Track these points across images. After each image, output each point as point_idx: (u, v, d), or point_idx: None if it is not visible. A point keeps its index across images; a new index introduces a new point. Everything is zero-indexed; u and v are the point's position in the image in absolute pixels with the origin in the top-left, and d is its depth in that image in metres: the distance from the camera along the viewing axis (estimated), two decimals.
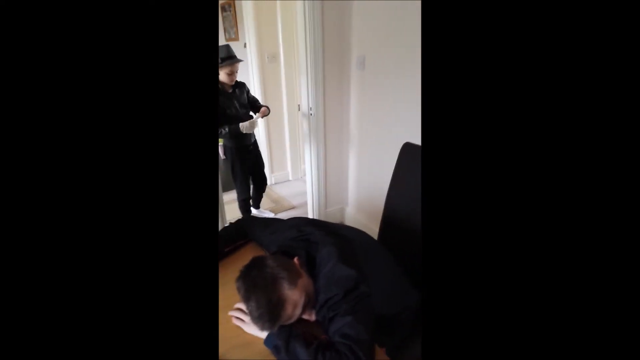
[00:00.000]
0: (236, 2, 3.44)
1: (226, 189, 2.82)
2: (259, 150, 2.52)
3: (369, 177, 2.26)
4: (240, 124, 2.15)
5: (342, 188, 2.52)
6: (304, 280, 0.82)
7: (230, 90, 2.21)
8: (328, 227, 1.02)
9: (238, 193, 2.49)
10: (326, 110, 2.21)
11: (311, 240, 0.95)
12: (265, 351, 0.81)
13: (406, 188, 1.25)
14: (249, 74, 3.03)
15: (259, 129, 2.33)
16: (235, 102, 2.23)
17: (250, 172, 2.47)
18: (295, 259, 0.88)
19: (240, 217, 2.22)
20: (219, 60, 2.09)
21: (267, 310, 0.74)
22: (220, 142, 2.44)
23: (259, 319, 0.75)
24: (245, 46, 3.13)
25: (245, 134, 2.27)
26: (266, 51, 2.92)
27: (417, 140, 1.20)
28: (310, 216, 2.54)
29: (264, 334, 0.82)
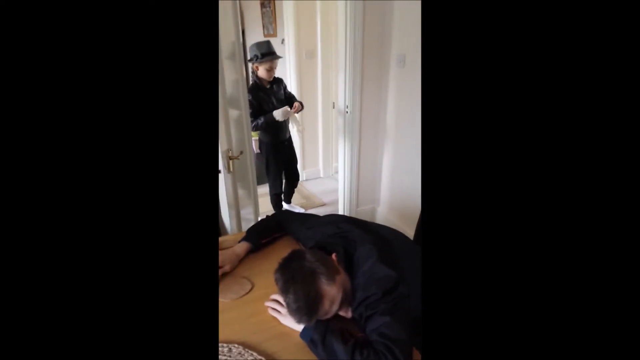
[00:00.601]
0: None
1: (259, 182, 2.88)
2: (293, 147, 2.55)
3: (404, 177, 2.22)
4: (274, 112, 2.18)
5: (374, 187, 2.50)
6: (342, 277, 0.82)
7: (268, 86, 2.25)
8: (366, 226, 1.01)
9: (270, 187, 2.53)
10: (363, 108, 2.20)
11: (349, 238, 0.95)
12: (301, 344, 0.81)
13: None
14: (286, 70, 3.06)
15: (293, 127, 2.35)
16: (272, 97, 2.26)
17: (283, 167, 2.50)
18: (333, 255, 0.88)
19: (274, 211, 2.26)
20: (260, 56, 2.13)
21: (305, 303, 0.75)
22: (255, 136, 2.49)
23: (297, 312, 0.76)
24: (283, 42, 3.17)
25: (280, 130, 2.30)
26: (304, 48, 2.94)
27: None
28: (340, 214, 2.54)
29: (299, 327, 0.83)
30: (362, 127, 2.25)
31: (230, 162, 1.45)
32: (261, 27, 4.04)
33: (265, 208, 2.61)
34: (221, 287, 1.00)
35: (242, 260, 1.11)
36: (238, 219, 1.63)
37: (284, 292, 0.79)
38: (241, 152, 1.56)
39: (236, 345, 0.81)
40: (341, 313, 0.85)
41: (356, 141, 2.28)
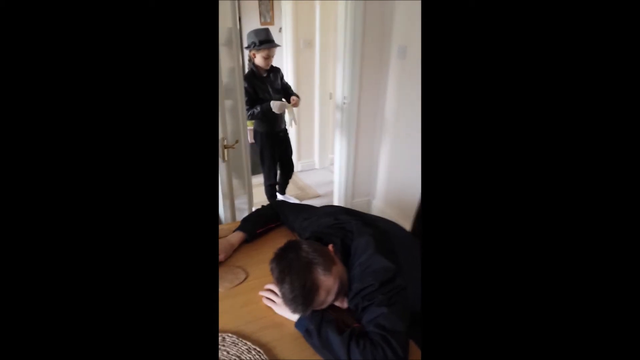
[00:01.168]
0: None
1: (254, 172, 2.86)
2: (288, 138, 2.52)
3: (400, 170, 2.21)
4: (272, 102, 2.15)
5: (370, 180, 2.49)
6: (338, 268, 0.82)
7: (265, 75, 2.21)
8: (364, 217, 1.01)
9: (265, 178, 2.51)
10: (361, 100, 2.17)
11: (346, 229, 0.94)
12: (296, 333, 0.81)
13: None
14: (283, 59, 3.02)
15: (288, 118, 2.33)
16: (269, 86, 2.23)
17: (278, 158, 2.48)
18: (330, 246, 0.87)
19: (269, 202, 2.25)
20: (257, 43, 2.09)
21: (301, 293, 0.74)
22: (250, 126, 2.46)
23: (292, 302, 0.75)
24: (280, 31, 3.12)
25: (276, 120, 2.27)
26: (302, 37, 2.89)
27: None
28: None
29: (294, 317, 0.82)
30: (359, 118, 2.23)
31: (225, 151, 1.43)
32: (258, 15, 3.97)
33: (260, 198, 2.59)
34: None
35: (236, 249, 1.10)
36: (232, 208, 1.61)
37: (279, 281, 0.78)
38: (236, 141, 1.53)
39: (230, 335, 0.80)
40: (337, 304, 0.85)
41: (353, 133, 2.26)
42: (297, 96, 2.30)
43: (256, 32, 2.12)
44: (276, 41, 2.19)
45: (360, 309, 0.79)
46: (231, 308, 0.89)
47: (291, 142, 2.66)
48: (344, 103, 2.18)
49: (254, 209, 1.30)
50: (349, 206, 2.45)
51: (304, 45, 2.92)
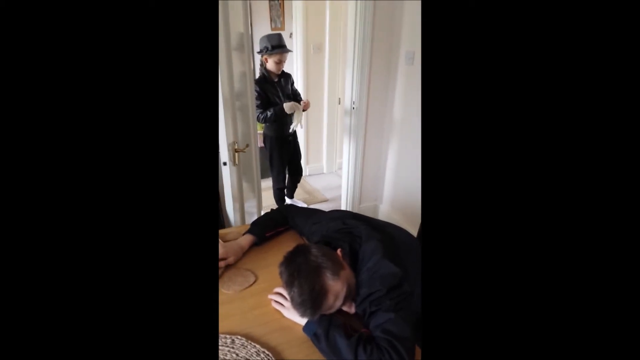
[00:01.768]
0: None
1: (263, 176, 2.88)
2: (297, 142, 2.54)
3: (408, 175, 2.21)
4: (285, 104, 2.18)
5: (378, 184, 2.49)
6: (347, 272, 0.82)
7: (276, 79, 2.24)
8: (372, 223, 1.01)
9: (274, 182, 2.53)
10: (369, 105, 2.19)
11: (354, 234, 0.94)
12: (304, 337, 0.82)
13: None
14: (293, 64, 3.05)
15: (299, 123, 2.36)
16: (280, 91, 2.25)
17: (287, 162, 2.49)
18: (338, 251, 0.88)
19: (277, 206, 2.26)
20: (270, 48, 2.11)
21: (310, 297, 0.75)
22: (260, 130, 2.49)
23: (301, 306, 0.76)
24: (290, 36, 3.15)
25: (285, 124, 2.30)
26: (312, 42, 2.92)
27: None
28: None
29: (303, 321, 0.83)
30: (367, 123, 2.24)
31: (236, 154, 1.44)
32: (269, 21, 4.01)
33: (269, 202, 2.61)
34: (225, 279, 1.01)
35: (245, 252, 1.11)
36: (242, 212, 1.63)
37: (288, 285, 0.79)
38: (247, 145, 1.55)
39: (239, 337, 0.81)
40: (345, 308, 0.86)
41: (361, 138, 2.27)
42: (308, 101, 2.33)
43: (269, 37, 2.15)
44: (288, 46, 2.21)
45: (368, 314, 0.79)
46: (240, 310, 0.90)
47: (300, 146, 2.68)
48: (353, 108, 2.19)
49: (263, 213, 1.32)
50: (356, 211, 2.46)
51: (314, 50, 2.95)
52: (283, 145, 2.38)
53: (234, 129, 1.45)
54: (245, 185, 1.68)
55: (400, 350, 0.69)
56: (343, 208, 2.56)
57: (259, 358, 0.76)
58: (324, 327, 0.78)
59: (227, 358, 0.76)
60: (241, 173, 1.58)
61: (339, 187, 2.74)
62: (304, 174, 3.02)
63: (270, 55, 2.14)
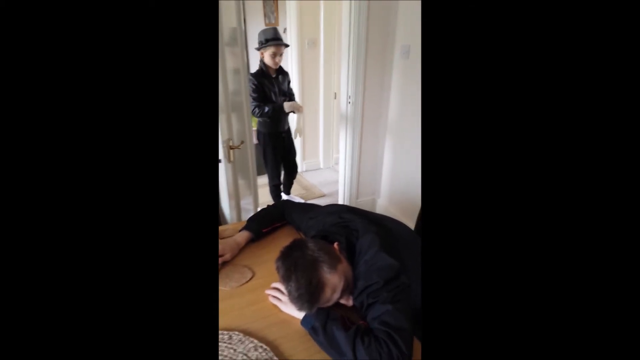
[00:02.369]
0: None
1: (259, 173, 2.88)
2: (291, 138, 2.53)
3: (405, 169, 2.21)
4: (285, 102, 2.19)
5: (375, 179, 2.49)
6: (344, 266, 0.82)
7: (274, 75, 2.23)
8: (368, 216, 1.01)
9: (269, 178, 2.53)
10: (365, 99, 2.18)
11: (351, 228, 0.94)
12: (302, 331, 0.82)
13: None
14: (288, 60, 3.03)
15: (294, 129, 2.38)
16: (276, 87, 2.24)
17: (281, 158, 2.49)
18: (335, 245, 0.88)
19: (274, 202, 2.26)
20: (264, 41, 2.11)
21: (307, 291, 0.75)
22: (254, 126, 2.48)
23: (298, 300, 0.76)
24: (285, 31, 3.13)
25: (279, 121, 2.30)
26: (306, 37, 2.90)
27: None
28: None
29: (300, 315, 0.83)
30: (364, 118, 2.23)
31: (231, 151, 1.44)
32: (262, 16, 3.99)
33: (265, 198, 2.60)
34: (222, 275, 1.00)
35: (242, 249, 1.11)
36: (238, 209, 1.62)
37: (285, 280, 0.79)
38: (242, 142, 1.55)
39: (237, 333, 0.81)
40: (342, 301, 0.86)
41: (357, 132, 2.26)
42: (301, 107, 2.35)
43: (264, 31, 2.16)
44: (283, 41, 2.20)
45: (366, 307, 0.79)
46: (238, 306, 0.90)
47: (296, 142, 2.67)
48: (349, 103, 2.19)
49: (259, 209, 1.31)
50: (353, 205, 2.46)
51: (308, 45, 2.93)
52: (276, 141, 2.38)
53: (229, 125, 1.44)
54: (241, 182, 1.67)
55: (398, 341, 0.69)
56: (340, 203, 2.56)
57: (256, 352, 0.76)
58: (322, 320, 0.78)
59: (224, 354, 0.76)
60: (237, 170, 1.57)
61: (336, 182, 2.74)
62: (300, 169, 3.02)
63: (265, 48, 2.13)
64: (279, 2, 3.86)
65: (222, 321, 0.85)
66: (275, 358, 0.75)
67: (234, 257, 1.08)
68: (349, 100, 2.18)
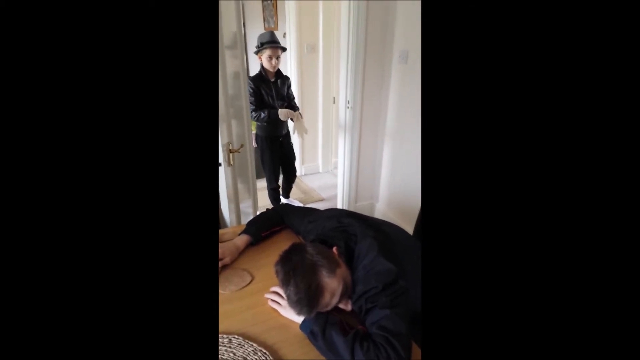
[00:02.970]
0: None
1: (258, 176, 2.89)
2: (290, 142, 2.54)
3: (403, 174, 2.22)
4: (280, 110, 2.19)
5: (374, 183, 2.50)
6: (343, 270, 0.83)
7: (273, 79, 2.24)
8: (367, 220, 1.02)
9: (267, 182, 2.53)
10: (364, 104, 2.19)
11: (350, 232, 0.95)
12: (300, 335, 0.82)
13: None
14: (287, 64, 3.05)
15: (294, 132, 2.38)
16: (274, 91, 2.25)
17: (280, 162, 2.49)
18: (334, 249, 0.88)
19: (272, 206, 2.26)
20: (260, 45, 2.13)
21: (306, 295, 0.75)
22: (253, 130, 2.49)
23: (297, 304, 0.76)
24: (284, 36, 3.14)
25: (277, 125, 2.30)
26: (305, 41, 2.92)
27: None
28: None
29: (299, 319, 0.83)
30: (362, 122, 2.25)
31: (231, 155, 1.44)
32: (262, 21, 4.01)
33: (264, 202, 2.61)
34: (221, 279, 1.00)
35: (242, 252, 1.11)
36: (237, 212, 1.62)
37: (284, 284, 0.79)
38: (242, 146, 1.55)
39: (236, 336, 0.81)
40: (341, 306, 0.86)
41: (356, 137, 2.27)
42: (300, 113, 2.34)
43: (261, 35, 2.18)
44: (280, 44, 2.22)
45: (364, 311, 0.80)
46: (237, 310, 0.90)
47: (295, 146, 2.68)
48: (347, 107, 2.20)
49: (258, 213, 1.31)
50: (352, 210, 2.46)
51: (307, 50, 2.95)
52: (274, 145, 2.38)
53: (228, 129, 1.45)
54: (240, 185, 1.68)
55: (397, 346, 0.70)
56: (339, 207, 2.56)
57: (255, 357, 0.76)
58: (321, 324, 0.78)
59: (224, 357, 0.76)
60: (236, 173, 1.58)
61: (335, 186, 2.75)
62: (299, 173, 3.03)
63: (262, 51, 2.15)
64: (278, 6, 3.88)
65: (222, 325, 0.85)
66: None
67: (233, 261, 1.08)
68: (348, 104, 2.19)
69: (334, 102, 3.12)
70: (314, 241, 0.94)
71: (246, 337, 0.81)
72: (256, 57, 2.24)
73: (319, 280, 0.77)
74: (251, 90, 2.15)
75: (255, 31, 3.59)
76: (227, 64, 1.42)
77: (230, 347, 0.78)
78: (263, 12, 3.98)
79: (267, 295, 0.93)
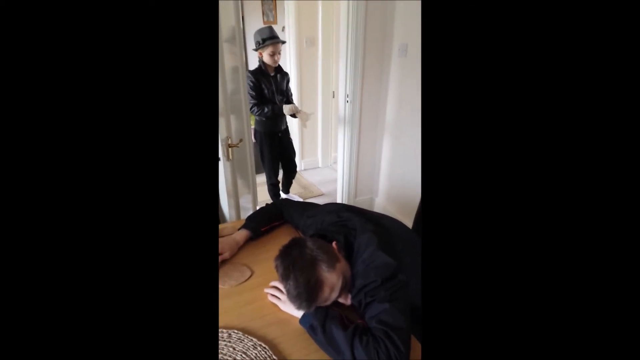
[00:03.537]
0: None
1: (258, 171, 2.88)
2: (289, 138, 2.53)
3: (403, 168, 2.22)
4: (285, 106, 2.18)
5: (373, 178, 2.50)
6: (342, 264, 0.83)
7: (273, 74, 2.22)
8: (366, 215, 1.01)
9: (267, 177, 2.53)
10: (363, 98, 2.18)
11: (349, 227, 0.95)
12: (300, 330, 0.82)
13: None
14: (286, 58, 3.03)
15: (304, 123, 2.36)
16: (274, 86, 2.24)
17: (279, 158, 2.49)
18: (334, 243, 0.88)
19: (272, 201, 2.26)
20: (261, 41, 2.10)
21: (305, 290, 0.75)
22: (252, 125, 2.48)
23: (297, 298, 0.76)
24: (283, 30, 3.12)
25: (277, 120, 2.30)
26: (305, 35, 2.90)
27: None
28: None
29: (299, 313, 0.83)
30: (362, 117, 2.24)
31: (230, 150, 1.44)
32: (261, 14, 3.98)
33: (264, 197, 2.61)
34: (220, 273, 1.00)
35: (241, 247, 1.11)
36: (237, 207, 1.62)
37: (284, 278, 0.79)
38: (240, 140, 1.55)
39: (236, 331, 0.81)
40: (340, 300, 0.86)
41: (356, 131, 2.26)
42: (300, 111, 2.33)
43: (260, 30, 2.14)
44: (279, 38, 2.20)
45: (364, 305, 0.80)
46: (236, 305, 0.91)
47: (294, 140, 2.67)
48: (347, 101, 2.19)
49: (258, 208, 1.31)
50: (352, 204, 2.46)
51: (307, 44, 2.93)
52: (273, 140, 2.38)
53: (227, 124, 1.44)
54: (239, 180, 1.67)
55: (396, 340, 0.70)
56: (339, 202, 2.56)
57: (255, 351, 0.76)
58: (320, 319, 0.78)
59: (224, 352, 0.77)
60: (235, 168, 1.57)
61: (335, 180, 2.75)
62: (299, 168, 3.02)
63: (263, 48, 2.13)
64: (277, 0, 3.85)
65: (221, 319, 0.85)
66: (274, 357, 0.75)
67: (233, 256, 1.08)
68: (347, 98, 2.18)
69: (333, 96, 3.11)
70: (313, 236, 0.94)
71: (246, 331, 0.82)
72: (254, 51, 2.22)
73: (318, 274, 0.77)
74: (251, 85, 2.14)
75: (254, 25, 3.57)
76: (226, 59, 1.40)
77: (229, 342, 0.79)
78: (262, 5, 3.95)
79: (267, 290, 0.93)
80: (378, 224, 0.95)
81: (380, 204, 2.51)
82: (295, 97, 2.55)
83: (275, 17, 3.97)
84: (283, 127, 2.41)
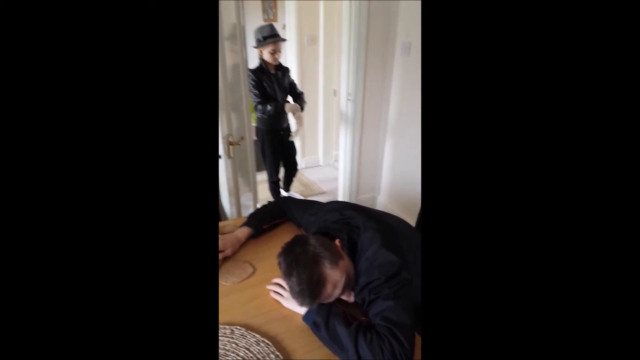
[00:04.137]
0: None
1: (259, 169, 2.88)
2: (291, 136, 2.52)
3: (405, 166, 2.21)
4: (286, 105, 2.18)
5: (375, 176, 2.49)
6: (345, 262, 0.82)
7: (274, 72, 2.22)
8: (370, 213, 1.01)
9: (268, 175, 2.52)
10: (365, 96, 2.18)
11: (352, 224, 0.94)
12: (303, 326, 0.82)
13: None
14: (287, 56, 3.02)
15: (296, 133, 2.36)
16: (276, 84, 2.23)
17: (280, 156, 2.48)
18: (337, 241, 0.88)
19: (273, 199, 2.25)
20: (262, 39, 2.09)
21: (308, 286, 0.75)
22: (253, 123, 2.48)
23: (300, 295, 0.76)
24: (284, 28, 3.11)
25: (279, 118, 2.29)
26: (306, 33, 2.89)
27: None
28: None
29: (302, 310, 0.83)
30: (364, 115, 2.23)
31: (231, 147, 1.43)
32: (261, 12, 3.97)
33: (265, 195, 2.60)
34: (223, 271, 1.00)
35: (243, 244, 1.11)
36: (238, 205, 1.62)
37: (287, 275, 0.79)
38: (241, 138, 1.54)
39: (239, 327, 0.81)
40: (344, 297, 0.86)
41: (357, 129, 2.26)
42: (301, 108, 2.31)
43: (260, 28, 2.13)
44: (280, 36, 2.19)
45: (367, 303, 0.79)
46: (239, 302, 0.90)
47: (295, 140, 2.66)
48: (348, 99, 2.18)
49: (258, 206, 1.31)
50: (353, 202, 2.46)
51: (308, 42, 2.92)
52: (274, 138, 2.37)
53: (228, 121, 1.44)
54: (240, 178, 1.67)
55: (400, 337, 0.70)
56: (340, 200, 2.56)
57: (258, 347, 0.76)
58: (324, 315, 0.78)
59: (227, 347, 0.76)
60: (236, 166, 1.57)
61: (336, 179, 2.74)
62: (300, 166, 3.01)
63: (264, 46, 2.12)
64: None
65: (224, 316, 0.85)
66: (277, 353, 0.75)
67: (234, 253, 1.07)
68: (349, 97, 2.17)
69: (334, 95, 3.10)
70: (316, 233, 0.94)
71: (249, 328, 0.81)
72: (254, 49, 2.21)
73: (321, 271, 0.77)
74: (253, 83, 2.13)
75: (254, 23, 3.56)
76: (227, 56, 1.40)
77: (232, 338, 0.78)
78: (262, 3, 3.94)
79: (270, 287, 0.93)
80: (381, 222, 0.95)
81: (382, 203, 2.51)
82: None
83: (275, 14, 3.96)
84: (285, 125, 2.41)
